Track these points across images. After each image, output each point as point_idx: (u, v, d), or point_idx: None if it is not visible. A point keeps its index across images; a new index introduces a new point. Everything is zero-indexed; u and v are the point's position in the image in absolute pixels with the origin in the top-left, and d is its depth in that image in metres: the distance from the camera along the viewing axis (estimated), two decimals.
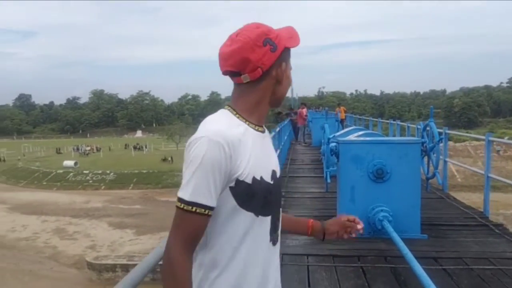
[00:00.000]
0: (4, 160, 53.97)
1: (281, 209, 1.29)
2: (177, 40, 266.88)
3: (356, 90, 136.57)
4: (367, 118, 18.22)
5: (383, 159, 4.47)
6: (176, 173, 39.08)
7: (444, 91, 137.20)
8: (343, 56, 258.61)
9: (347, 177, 4.59)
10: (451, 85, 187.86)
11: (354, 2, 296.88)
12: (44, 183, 41.00)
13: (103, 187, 38.60)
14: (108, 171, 41.90)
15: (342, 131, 9.06)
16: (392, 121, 12.25)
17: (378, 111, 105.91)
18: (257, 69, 1.17)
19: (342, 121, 17.93)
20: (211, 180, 1.07)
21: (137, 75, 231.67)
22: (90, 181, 40.24)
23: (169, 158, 46.85)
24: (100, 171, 42.26)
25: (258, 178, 1.14)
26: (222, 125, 1.12)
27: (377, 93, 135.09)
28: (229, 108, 1.21)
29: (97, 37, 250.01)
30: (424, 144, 4.96)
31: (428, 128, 5.10)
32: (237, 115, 1.19)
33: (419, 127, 7.86)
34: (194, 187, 1.06)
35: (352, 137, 6.78)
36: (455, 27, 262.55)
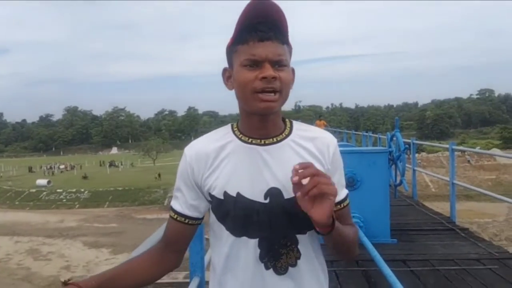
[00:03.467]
0: None
1: (299, 235, 1.10)
2: (152, 55, 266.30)
3: (332, 104, 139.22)
4: (342, 130, 18.61)
5: (353, 168, 4.65)
6: (153, 190, 38.70)
7: (416, 103, 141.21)
8: (318, 70, 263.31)
9: None
10: (423, 98, 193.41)
11: (327, 18, 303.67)
12: (17, 202, 39.86)
13: (77, 205, 37.79)
14: (82, 190, 41.11)
15: None
16: (364, 133, 12.63)
17: (354, 124, 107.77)
18: (227, 75, 1.13)
19: None
20: (179, 188, 1.15)
21: (112, 91, 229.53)
22: (64, 200, 39.36)
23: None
24: (74, 190, 41.41)
25: (233, 194, 1.07)
26: (200, 139, 1.16)
27: (352, 106, 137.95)
28: (236, 122, 1.17)
29: (70, 53, 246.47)
30: (391, 153, 5.20)
31: (394, 138, 5.35)
32: (235, 128, 1.14)
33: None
34: (173, 194, 1.17)
35: None
36: (426, 42, 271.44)
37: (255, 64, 1.02)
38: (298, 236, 1.09)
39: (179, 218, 1.13)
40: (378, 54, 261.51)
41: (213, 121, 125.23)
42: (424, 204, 6.85)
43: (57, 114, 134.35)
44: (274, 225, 1.07)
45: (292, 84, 1.12)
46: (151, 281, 1.11)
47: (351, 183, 4.62)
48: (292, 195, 1.04)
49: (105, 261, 21.65)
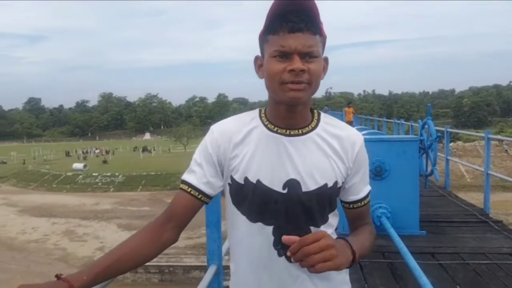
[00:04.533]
0: (24, 162, 54.47)
1: (313, 227, 1.12)
2: (183, 42, 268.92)
3: (364, 91, 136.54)
4: (372, 118, 18.13)
5: (381, 157, 4.53)
6: None
7: (453, 90, 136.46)
8: (350, 56, 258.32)
9: None
10: (460, 85, 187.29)
11: (358, 2, 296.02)
12: (54, 185, 41.41)
13: (112, 189, 38.88)
14: (117, 174, 42.23)
15: None
16: (396, 121, 12.28)
17: (387, 111, 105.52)
18: (258, 64, 1.13)
19: (349, 122, 17.48)
20: (199, 162, 1.12)
21: (145, 77, 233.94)
22: (99, 184, 40.55)
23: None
24: (109, 174, 42.61)
25: (253, 180, 1.08)
26: (228, 119, 1.17)
27: (386, 93, 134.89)
28: (264, 107, 1.18)
29: (104, 40, 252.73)
30: (422, 142, 5.02)
31: (426, 126, 5.16)
32: (262, 114, 1.15)
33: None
34: (188, 168, 1.15)
35: None
36: (463, 27, 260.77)
37: (284, 55, 1.01)
38: (312, 228, 1.12)
39: (192, 192, 1.11)
40: (413, 39, 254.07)
41: (243, 107, 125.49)
42: (456, 195, 6.62)
43: (93, 100, 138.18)
44: (289, 215, 1.09)
45: (324, 75, 1.12)
46: (149, 259, 1.08)
47: (378, 173, 4.51)
48: (310, 188, 1.09)
49: None
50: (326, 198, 1.11)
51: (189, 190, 1.11)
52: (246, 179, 1.09)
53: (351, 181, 1.17)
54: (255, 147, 1.10)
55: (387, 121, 14.73)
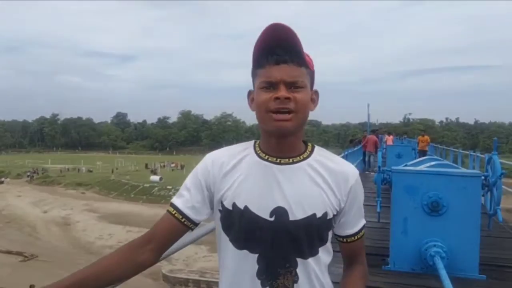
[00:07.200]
0: (112, 172, 58.90)
1: (300, 258, 1.11)
2: None
3: (447, 118, 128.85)
4: (447, 148, 16.98)
5: (439, 191, 4.29)
6: None
7: None
8: (433, 82, 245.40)
9: (400, 208, 4.46)
10: None
11: (445, 23, 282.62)
12: (132, 195, 43.97)
13: None
14: None
15: (414, 161, 8.69)
16: (471, 152, 11.46)
17: (471, 142, 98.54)
18: (251, 97, 1.19)
19: (423, 152, 16.42)
20: (188, 187, 1.18)
21: (222, 97, 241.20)
22: (173, 196, 42.04)
23: None
24: None
25: (241, 206, 1.10)
26: (223, 148, 1.25)
27: (471, 121, 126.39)
28: (259, 139, 1.22)
29: (187, 61, 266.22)
30: (487, 178, 4.67)
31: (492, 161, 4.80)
32: (256, 145, 1.19)
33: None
34: (178, 192, 1.21)
35: (422, 167, 6.51)
36: None
37: (271, 86, 1.07)
38: (298, 259, 1.11)
39: (177, 215, 1.15)
40: (505, 66, 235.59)
41: (315, 130, 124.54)
42: None
43: (173, 117, 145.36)
44: (275, 244, 1.09)
45: (314, 107, 1.17)
46: (123, 279, 1.12)
47: (435, 208, 4.27)
48: (298, 217, 1.08)
49: (203, 258, 22.84)
50: (315, 229, 1.10)
51: (174, 213, 1.16)
52: (234, 205, 1.11)
53: (346, 215, 1.17)
54: (245, 174, 1.13)
55: (463, 153, 13.76)
